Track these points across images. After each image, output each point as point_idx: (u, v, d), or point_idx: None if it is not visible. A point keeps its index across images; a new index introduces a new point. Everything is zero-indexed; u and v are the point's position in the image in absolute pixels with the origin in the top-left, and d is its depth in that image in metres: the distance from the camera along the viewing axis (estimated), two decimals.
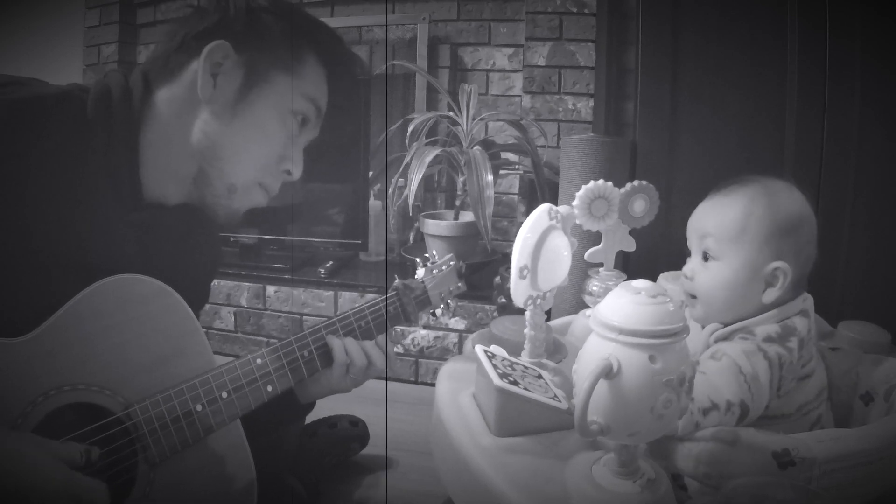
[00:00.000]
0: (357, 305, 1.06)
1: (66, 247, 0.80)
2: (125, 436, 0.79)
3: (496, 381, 0.82)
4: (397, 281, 1.12)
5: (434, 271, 1.17)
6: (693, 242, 1.00)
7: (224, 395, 0.87)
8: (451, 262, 1.20)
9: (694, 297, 0.98)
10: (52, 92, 0.84)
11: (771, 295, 0.92)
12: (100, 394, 0.78)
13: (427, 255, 1.20)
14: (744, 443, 0.75)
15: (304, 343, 0.98)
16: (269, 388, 0.92)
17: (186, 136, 0.90)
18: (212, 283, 1.14)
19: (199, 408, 0.84)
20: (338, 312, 1.05)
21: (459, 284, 1.20)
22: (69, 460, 0.70)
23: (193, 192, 0.93)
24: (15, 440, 0.69)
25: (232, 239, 2.26)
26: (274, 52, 0.93)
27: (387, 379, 1.09)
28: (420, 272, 1.16)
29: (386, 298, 1.09)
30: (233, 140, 0.91)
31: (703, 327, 0.98)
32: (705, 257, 0.96)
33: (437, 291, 1.15)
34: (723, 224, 0.94)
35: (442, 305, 1.17)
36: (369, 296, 1.11)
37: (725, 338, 0.93)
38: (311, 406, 1.11)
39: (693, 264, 0.99)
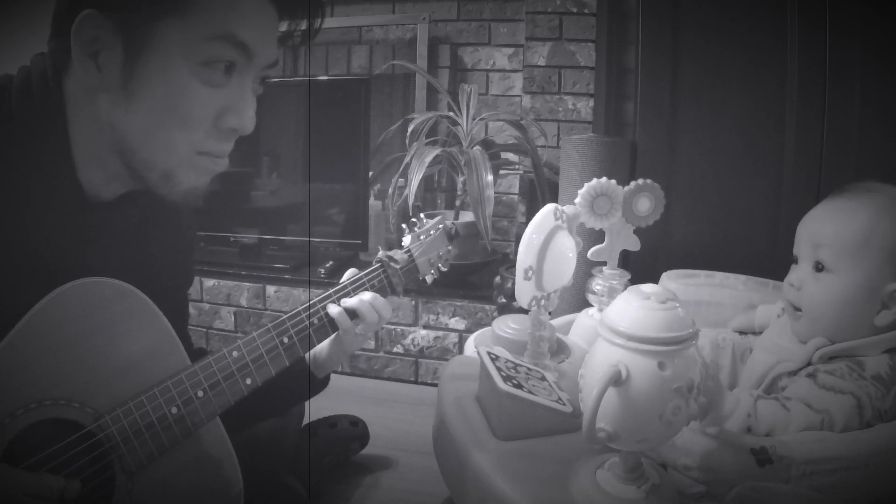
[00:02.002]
0: (340, 281, 1.01)
1: (14, 255, 0.74)
2: (98, 448, 0.75)
3: (500, 384, 0.82)
4: (381, 252, 1.05)
5: (421, 237, 1.09)
6: (804, 249, 0.93)
7: (200, 393, 0.81)
8: (440, 226, 1.12)
9: (798, 309, 0.92)
10: None
11: (886, 318, 0.86)
12: (68, 407, 0.74)
13: (414, 219, 1.12)
14: (725, 437, 0.74)
15: (283, 329, 0.91)
16: (248, 381, 0.86)
17: (100, 132, 0.78)
18: (193, 259, 1.06)
19: (174, 410, 0.79)
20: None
21: (450, 248, 1.12)
22: (38, 495, 0.67)
23: (135, 183, 0.82)
24: None
25: (232, 239, 2.26)
26: None
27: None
28: (406, 239, 1.09)
29: (368, 272, 1.03)
30: (139, 126, 0.76)
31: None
32: (818, 268, 0.90)
33: (426, 258, 1.08)
34: (843, 233, 0.87)
35: (432, 271, 1.10)
36: (352, 270, 1.04)
37: (831, 357, 0.87)
38: (328, 380, 1.08)
39: (802, 273, 0.93)
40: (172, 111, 0.76)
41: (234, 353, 0.86)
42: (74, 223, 0.80)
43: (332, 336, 1.00)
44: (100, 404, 0.76)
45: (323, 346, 1.04)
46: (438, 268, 1.12)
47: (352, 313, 0.98)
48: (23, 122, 0.76)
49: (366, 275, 1.02)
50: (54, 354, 0.74)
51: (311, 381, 1.06)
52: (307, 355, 1.05)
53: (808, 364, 0.90)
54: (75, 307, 0.75)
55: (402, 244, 1.09)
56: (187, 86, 0.76)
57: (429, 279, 1.11)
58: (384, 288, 1.03)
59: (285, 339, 0.91)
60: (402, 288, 1.05)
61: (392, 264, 1.04)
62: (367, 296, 0.99)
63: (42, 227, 0.78)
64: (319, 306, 0.96)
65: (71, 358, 0.75)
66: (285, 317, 0.92)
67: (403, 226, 1.11)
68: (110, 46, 0.74)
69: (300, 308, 0.94)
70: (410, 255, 1.07)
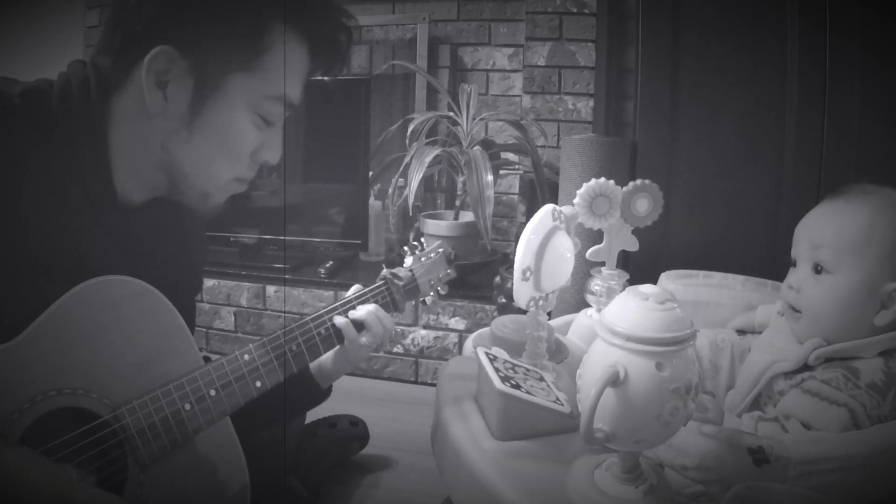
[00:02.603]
0: (345, 296, 1.05)
1: (42, 251, 0.78)
2: (113, 438, 0.78)
3: (498, 384, 0.81)
4: (385, 270, 1.10)
5: (423, 259, 1.14)
6: (802, 251, 0.93)
7: (212, 392, 0.85)
8: (440, 250, 1.17)
9: (797, 310, 0.93)
10: (17, 90, 0.79)
11: (885, 318, 0.87)
12: (86, 397, 0.77)
13: (415, 242, 1.18)
14: (722, 436, 0.74)
15: (291, 337, 0.96)
16: (258, 384, 0.90)
17: (149, 149, 0.84)
18: (204, 267, 1.12)
19: (187, 407, 0.83)
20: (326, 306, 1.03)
21: (449, 271, 1.17)
22: (57, 478, 0.69)
23: (169, 195, 0.90)
24: (13, 457, 0.68)
25: (232, 239, 2.26)
26: (227, 47, 0.81)
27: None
28: (408, 260, 1.14)
29: (373, 288, 1.07)
30: (195, 156, 0.85)
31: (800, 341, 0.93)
32: (817, 269, 0.90)
33: (427, 279, 1.13)
34: (843, 234, 0.88)
35: (432, 293, 1.15)
36: (357, 286, 1.09)
37: (827, 358, 0.88)
38: (330, 391, 1.11)
39: (801, 275, 0.93)
40: (226, 148, 0.86)
41: (246, 357, 0.90)
42: (102, 224, 0.84)
43: (337, 348, 1.03)
44: (116, 397, 0.79)
45: (328, 357, 1.07)
46: (437, 290, 1.16)
47: (358, 325, 1.02)
48: (63, 126, 0.80)
49: (370, 290, 1.06)
50: (75, 346, 0.77)
51: (314, 390, 1.09)
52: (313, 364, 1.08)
53: (805, 365, 0.90)
54: (97, 302, 0.79)
55: (405, 265, 1.13)
56: (242, 129, 0.86)
57: (429, 300, 1.15)
58: (387, 304, 1.07)
59: (293, 347, 0.95)
60: (404, 305, 1.10)
61: (395, 281, 1.09)
62: (372, 307, 1.03)
63: (72, 227, 0.81)
64: (326, 317, 1.00)
65: (90, 351, 0.78)
66: (294, 325, 0.97)
67: (405, 248, 1.17)
68: (181, 83, 0.81)
69: (308, 318, 0.99)
70: (413, 274, 1.12)
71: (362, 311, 1.02)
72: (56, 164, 0.80)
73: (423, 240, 1.19)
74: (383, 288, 1.07)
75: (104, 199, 0.84)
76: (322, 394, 1.10)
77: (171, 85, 0.80)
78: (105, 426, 0.78)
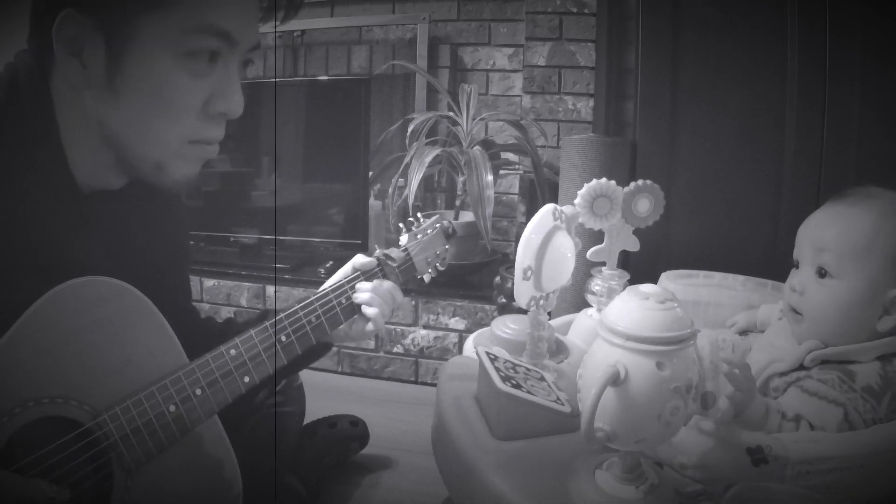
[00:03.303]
0: (336, 281, 1.01)
1: (13, 249, 0.75)
2: (96, 446, 0.75)
3: (499, 384, 0.82)
4: (377, 251, 1.05)
5: (418, 236, 1.09)
6: (806, 253, 0.93)
7: (198, 391, 0.81)
8: (437, 225, 1.12)
9: (798, 312, 0.93)
10: None
11: (887, 323, 0.87)
12: (66, 405, 0.74)
13: (411, 218, 1.13)
14: (720, 435, 0.74)
15: (281, 328, 0.91)
16: (247, 379, 0.85)
17: (89, 127, 0.79)
18: (190, 244, 1.06)
19: (172, 408, 0.79)
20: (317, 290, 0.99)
21: (447, 247, 1.12)
22: (29, 499, 0.67)
23: (127, 175, 0.84)
24: None
25: (232, 239, 2.26)
26: None
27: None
28: (403, 238, 1.09)
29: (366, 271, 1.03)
30: (129, 121, 0.78)
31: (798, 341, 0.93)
32: (821, 273, 0.90)
33: (423, 256, 1.08)
34: (847, 238, 0.88)
35: (430, 270, 1.10)
36: (354, 261, 1.05)
37: (823, 360, 0.88)
38: (330, 346, 1.07)
39: (804, 278, 0.93)
40: (160, 104, 0.77)
41: (232, 352, 0.86)
42: (66, 215, 0.81)
43: (354, 319, 1.00)
44: (97, 402, 0.76)
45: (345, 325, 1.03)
46: (436, 266, 1.11)
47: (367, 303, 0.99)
48: (13, 118, 0.77)
49: (363, 274, 1.02)
50: (52, 353, 0.74)
51: (319, 349, 1.05)
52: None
53: (801, 366, 0.90)
54: (72, 306, 0.75)
55: (400, 243, 1.09)
56: (172, 78, 0.76)
57: (426, 278, 1.10)
58: None
59: (283, 338, 0.91)
60: (400, 285, 1.05)
61: (389, 262, 1.04)
62: (371, 285, 1.00)
63: (38, 220, 0.78)
64: (317, 304, 0.96)
65: (68, 356, 0.75)
66: (282, 315, 0.92)
67: (401, 225, 1.11)
68: (93, 44, 0.74)
69: (297, 307, 0.94)
70: (408, 254, 1.07)
71: (376, 288, 0.99)
72: (12, 157, 0.76)
73: (419, 215, 1.14)
74: (376, 270, 1.03)
75: (63, 188, 0.80)
76: (322, 347, 1.05)
77: (85, 50, 0.74)
78: (87, 434, 0.75)
